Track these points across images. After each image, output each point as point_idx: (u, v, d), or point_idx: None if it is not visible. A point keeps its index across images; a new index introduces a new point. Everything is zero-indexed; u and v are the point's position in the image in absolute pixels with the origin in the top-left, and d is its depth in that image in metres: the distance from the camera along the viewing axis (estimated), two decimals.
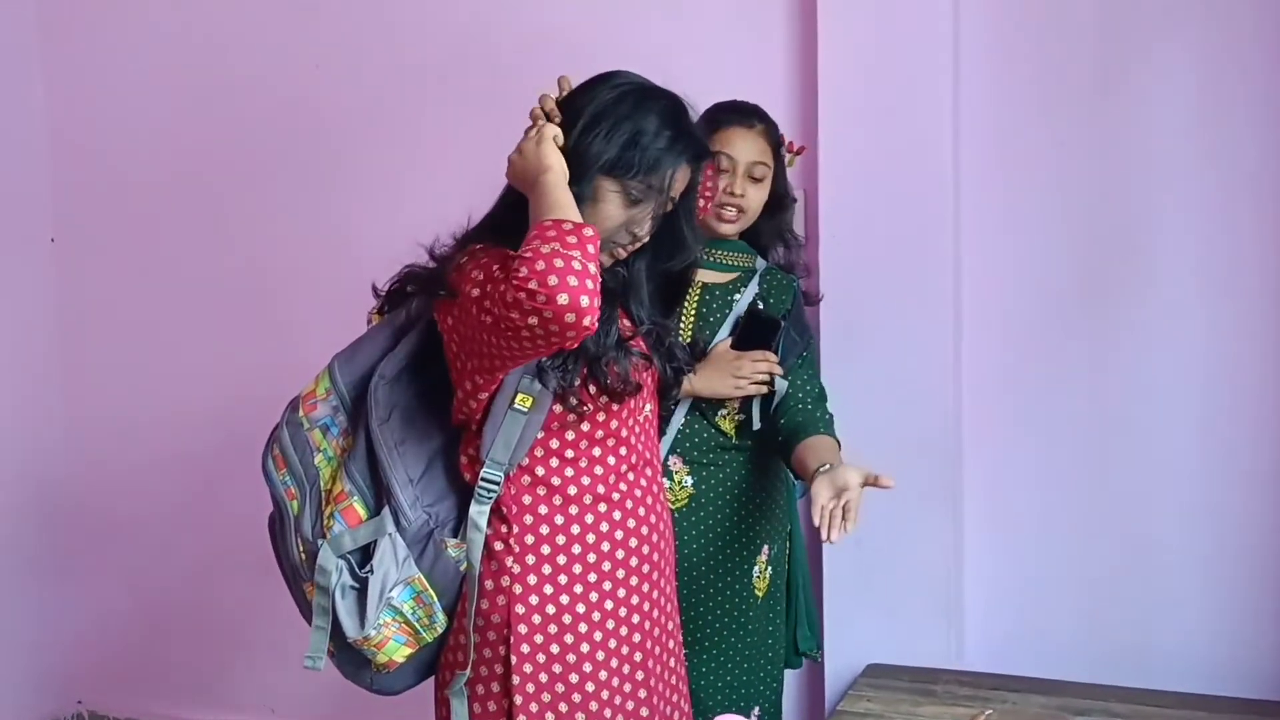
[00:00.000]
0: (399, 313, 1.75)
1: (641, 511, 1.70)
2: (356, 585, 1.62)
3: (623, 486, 1.68)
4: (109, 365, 3.61)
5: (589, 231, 1.48)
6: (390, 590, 1.60)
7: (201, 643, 3.52)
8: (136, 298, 3.54)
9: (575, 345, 1.51)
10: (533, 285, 1.42)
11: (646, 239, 1.67)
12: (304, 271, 3.30)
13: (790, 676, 2.85)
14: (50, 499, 3.68)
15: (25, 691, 3.60)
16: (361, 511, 1.63)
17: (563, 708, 1.62)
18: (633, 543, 1.69)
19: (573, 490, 1.66)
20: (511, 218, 1.64)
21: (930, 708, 2.33)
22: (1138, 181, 2.56)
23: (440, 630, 1.66)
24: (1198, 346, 2.53)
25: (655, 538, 1.73)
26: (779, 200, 2.40)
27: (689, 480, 2.28)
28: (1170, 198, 2.54)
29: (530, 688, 1.62)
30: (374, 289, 1.79)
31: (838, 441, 2.22)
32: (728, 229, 2.32)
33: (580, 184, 1.60)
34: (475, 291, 1.54)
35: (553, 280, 1.42)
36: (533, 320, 1.44)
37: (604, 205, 1.62)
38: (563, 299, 1.42)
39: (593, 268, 1.46)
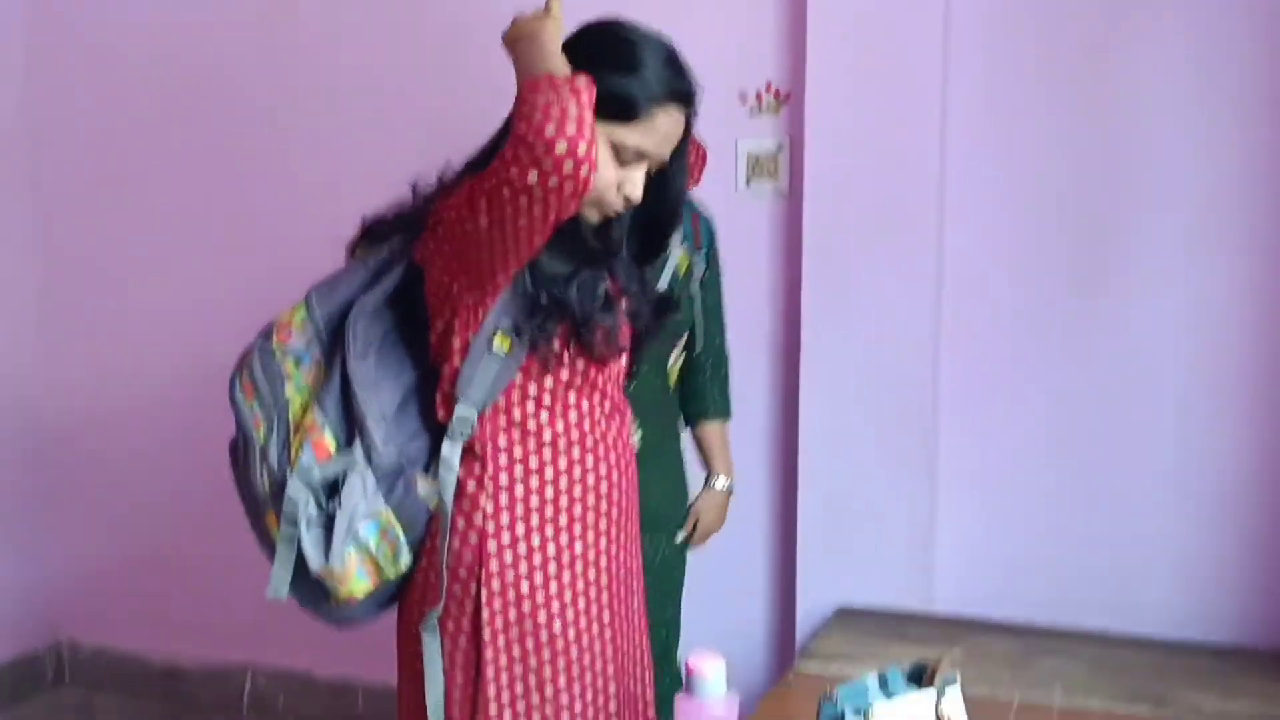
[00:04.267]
0: (379, 250, 1.74)
1: (613, 457, 1.72)
2: (323, 518, 1.62)
3: (596, 433, 1.70)
4: (91, 308, 3.61)
5: (582, 81, 1.47)
6: (357, 524, 1.60)
7: (181, 579, 3.55)
8: (118, 242, 3.53)
9: (576, 205, 1.50)
10: (530, 137, 1.43)
11: (638, 202, 1.64)
12: (288, 215, 3.29)
13: (762, 618, 2.91)
14: (32, 438, 3.69)
15: (5, 624, 3.63)
16: (331, 444, 1.63)
17: (529, 644, 1.64)
18: (603, 488, 1.71)
19: (548, 435, 1.67)
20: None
21: (899, 648, 2.37)
22: (1126, 147, 2.57)
23: (404, 567, 1.66)
24: (1178, 310, 2.56)
25: (624, 483, 1.75)
26: None
27: (637, 437, 2.30)
28: (1158, 169, 2.54)
29: (500, 623, 1.64)
30: (363, 221, 1.77)
31: (726, 413, 2.51)
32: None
33: None
34: (462, 194, 1.54)
35: (550, 130, 1.42)
36: (532, 176, 1.44)
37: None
38: (561, 147, 1.42)
39: (589, 116, 1.45)
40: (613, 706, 1.69)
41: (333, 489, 1.63)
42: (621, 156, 1.60)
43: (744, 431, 2.81)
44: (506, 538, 1.65)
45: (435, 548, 1.66)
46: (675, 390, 2.45)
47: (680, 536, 2.43)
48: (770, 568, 2.93)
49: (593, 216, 1.64)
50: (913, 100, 2.62)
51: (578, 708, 1.65)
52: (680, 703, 1.42)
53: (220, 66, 3.33)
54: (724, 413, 2.52)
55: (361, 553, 1.62)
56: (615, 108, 1.56)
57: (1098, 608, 2.58)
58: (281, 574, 1.64)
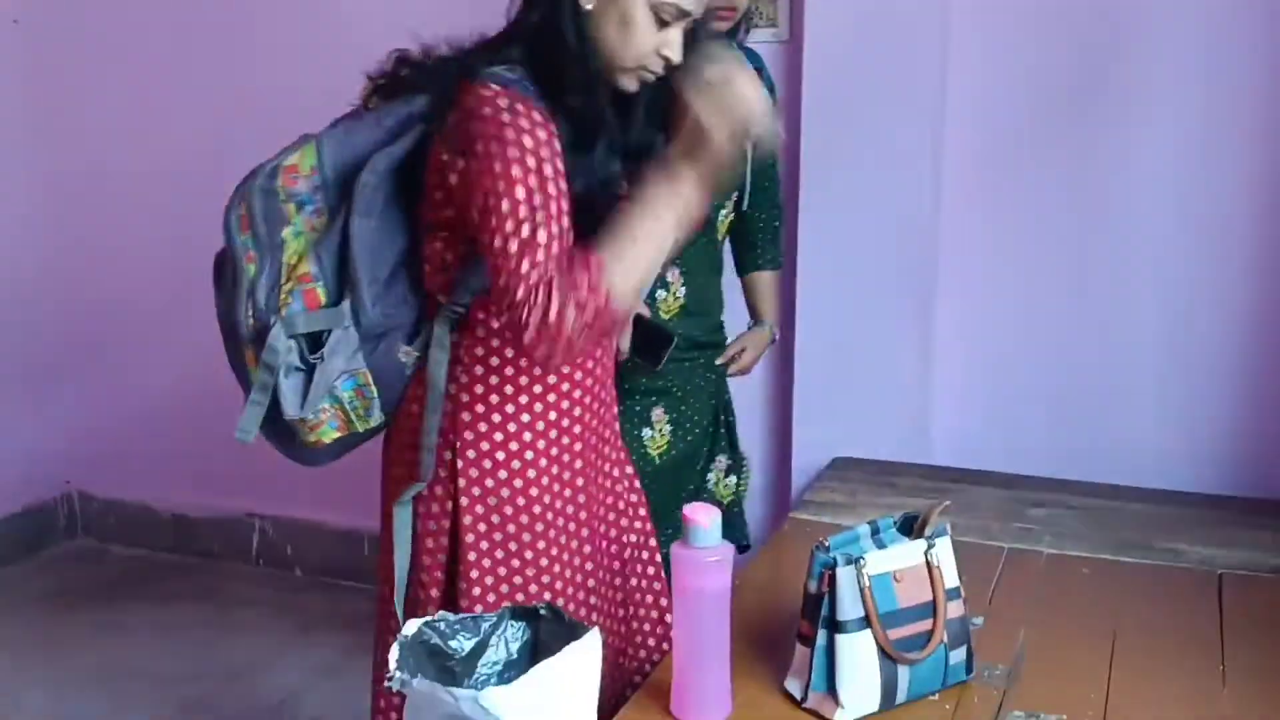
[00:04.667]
0: (401, 105, 1.69)
1: None
2: (303, 368, 1.64)
3: None
4: (85, 150, 3.57)
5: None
6: (335, 381, 1.63)
7: (187, 430, 3.59)
8: (109, 79, 3.46)
9: None
10: (539, 305, 1.46)
11: (679, 62, 1.60)
12: (287, 48, 3.23)
13: (758, 468, 2.95)
14: (36, 292, 3.69)
15: (14, 474, 3.69)
16: (322, 297, 1.64)
17: (508, 510, 1.68)
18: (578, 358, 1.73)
19: None
20: (539, 41, 1.58)
21: (891, 498, 2.41)
22: None
23: (374, 423, 1.70)
24: (1177, 149, 2.52)
25: (600, 353, 1.77)
26: None
27: (683, 291, 2.39)
28: (1162, 6, 2.48)
29: (477, 491, 1.67)
30: (369, 76, 1.73)
31: (777, 264, 2.62)
32: (721, 26, 2.30)
33: (610, 6, 1.55)
34: (500, 170, 1.51)
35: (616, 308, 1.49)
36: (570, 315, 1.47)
37: (636, 29, 1.56)
38: (610, 320, 1.51)
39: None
40: (589, 566, 1.74)
41: (314, 341, 1.64)
42: (662, 16, 1.56)
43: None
44: (480, 408, 1.67)
45: (412, 413, 1.69)
46: (722, 243, 2.51)
47: (721, 360, 2.52)
48: (767, 418, 2.96)
49: (631, 85, 1.61)
50: None
51: (556, 569, 1.70)
52: (677, 551, 1.45)
53: None
54: (774, 264, 2.62)
55: (335, 405, 1.65)
56: None
57: (1089, 459, 2.61)
58: (254, 418, 1.67)
